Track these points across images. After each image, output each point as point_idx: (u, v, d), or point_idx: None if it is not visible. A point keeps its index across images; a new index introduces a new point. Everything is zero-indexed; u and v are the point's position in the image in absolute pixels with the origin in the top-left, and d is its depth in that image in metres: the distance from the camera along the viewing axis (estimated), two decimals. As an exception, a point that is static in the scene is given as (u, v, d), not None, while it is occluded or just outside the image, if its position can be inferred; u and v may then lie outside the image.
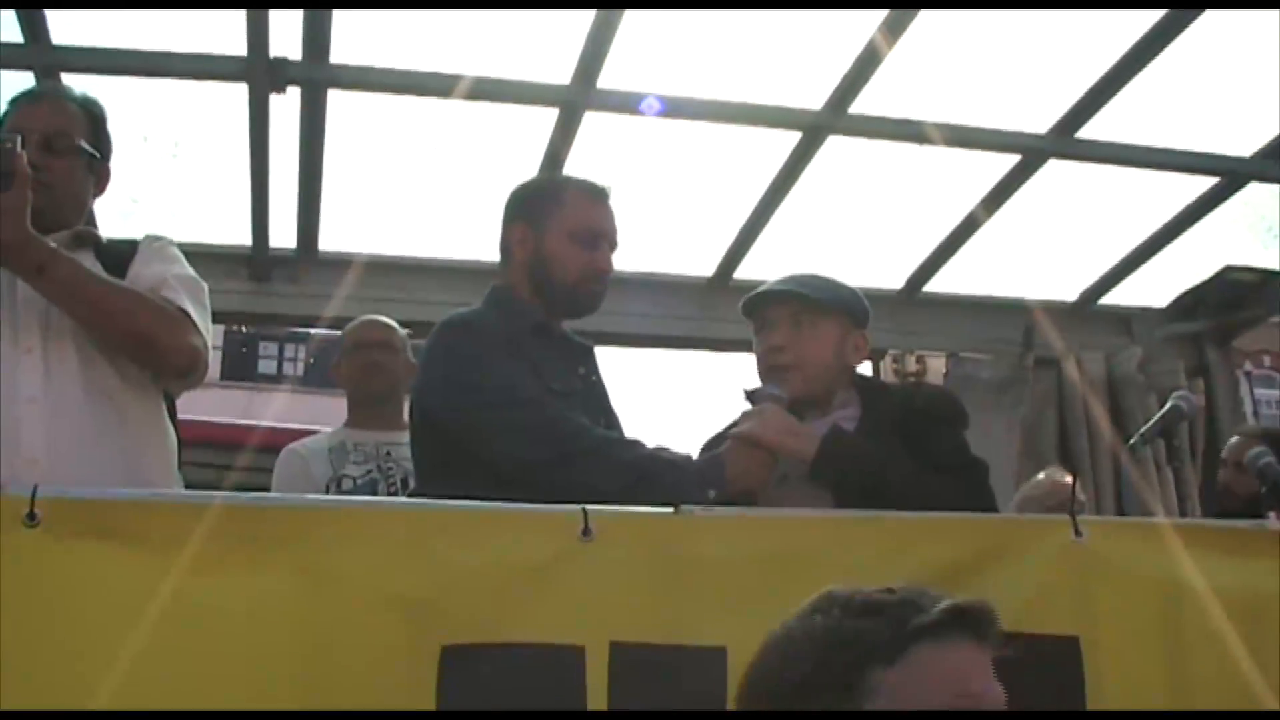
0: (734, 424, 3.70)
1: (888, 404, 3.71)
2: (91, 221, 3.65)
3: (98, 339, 3.26)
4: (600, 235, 3.77)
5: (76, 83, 4.78)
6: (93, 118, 3.56)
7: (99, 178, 3.59)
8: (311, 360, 30.69)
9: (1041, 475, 5.45)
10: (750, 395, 3.74)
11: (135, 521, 2.53)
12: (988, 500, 3.60)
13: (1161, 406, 4.28)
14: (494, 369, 3.47)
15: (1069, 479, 5.39)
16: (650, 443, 3.55)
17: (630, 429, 3.73)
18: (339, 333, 5.45)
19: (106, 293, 3.26)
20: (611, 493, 3.06)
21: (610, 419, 3.73)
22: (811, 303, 3.71)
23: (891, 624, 1.93)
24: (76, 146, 3.46)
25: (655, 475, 3.34)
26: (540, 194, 3.88)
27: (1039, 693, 2.88)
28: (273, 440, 7.81)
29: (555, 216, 3.75)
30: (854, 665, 1.92)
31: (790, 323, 3.68)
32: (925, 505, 3.15)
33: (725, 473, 3.38)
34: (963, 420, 3.77)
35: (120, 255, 3.45)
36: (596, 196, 3.82)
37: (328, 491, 4.65)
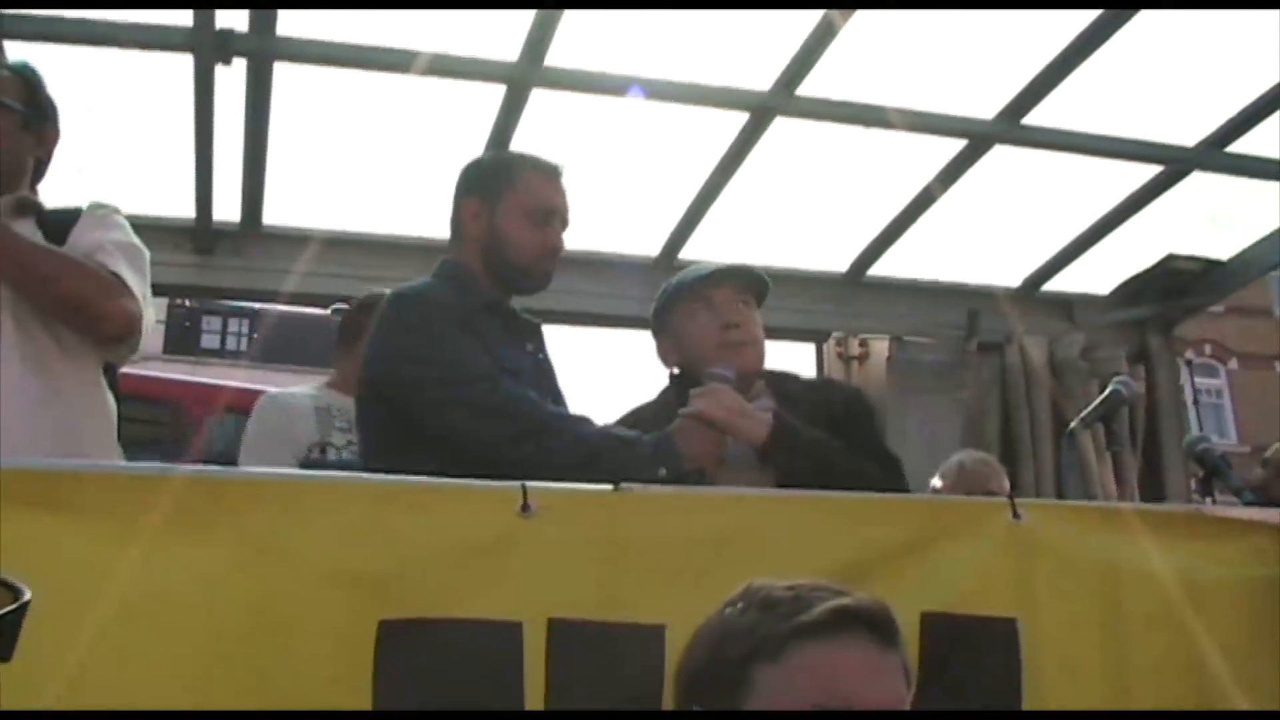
0: (659, 397, 3.74)
1: (802, 398, 3.74)
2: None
3: (31, 303, 3.24)
4: (553, 213, 3.78)
5: (19, 50, 4.74)
6: (26, 82, 3.55)
7: (40, 138, 3.57)
8: (255, 335, 30.63)
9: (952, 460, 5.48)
10: (676, 377, 3.78)
11: (75, 492, 2.51)
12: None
13: (1103, 392, 4.30)
14: (447, 343, 3.47)
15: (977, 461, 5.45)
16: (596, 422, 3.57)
17: (574, 408, 3.73)
18: (287, 309, 5.37)
19: (37, 257, 3.26)
20: (564, 469, 3.07)
21: (558, 397, 3.75)
22: (752, 283, 3.78)
23: (778, 621, 1.93)
24: (5, 105, 3.43)
25: (608, 452, 3.36)
26: (494, 170, 3.88)
27: (977, 673, 2.91)
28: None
29: (509, 193, 3.75)
30: (740, 660, 1.93)
31: (738, 302, 3.73)
32: None
33: (677, 450, 3.39)
34: (877, 416, 3.89)
35: (62, 223, 3.44)
36: (550, 174, 3.83)
37: (309, 454, 4.60)
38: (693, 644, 2.07)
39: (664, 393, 3.82)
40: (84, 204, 3.58)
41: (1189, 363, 29.65)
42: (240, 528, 2.57)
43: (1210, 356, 32.54)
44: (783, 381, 3.84)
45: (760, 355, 3.76)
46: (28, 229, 3.32)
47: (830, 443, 3.51)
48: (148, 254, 3.51)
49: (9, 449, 2.88)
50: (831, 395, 3.90)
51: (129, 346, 3.43)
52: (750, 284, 3.81)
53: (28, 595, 1.55)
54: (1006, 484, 5.32)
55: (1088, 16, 5.12)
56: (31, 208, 3.47)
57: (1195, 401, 29.83)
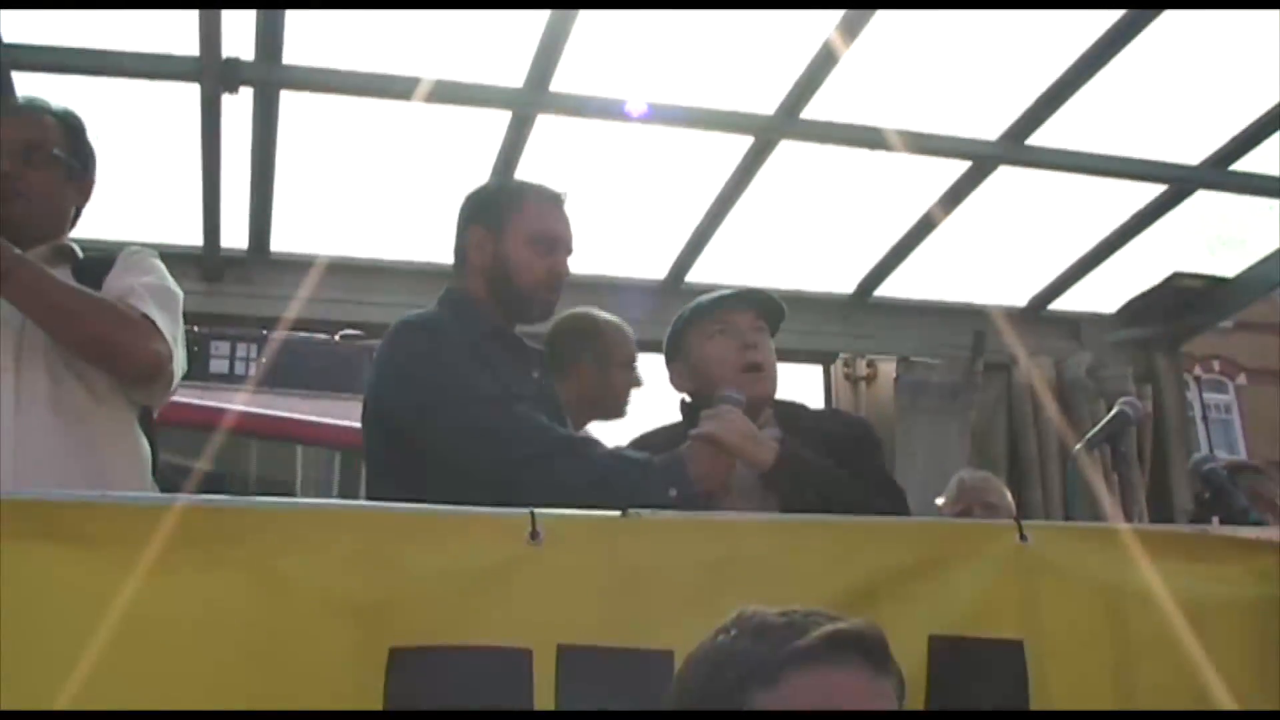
0: (668, 427, 3.75)
1: (809, 428, 3.75)
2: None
3: (61, 344, 3.27)
4: (558, 240, 3.80)
5: (27, 81, 4.78)
6: (70, 129, 3.60)
7: (80, 187, 3.62)
8: (264, 361, 30.61)
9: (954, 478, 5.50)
10: (688, 405, 3.79)
11: (83, 523, 2.52)
12: None
13: (1109, 411, 4.31)
14: (455, 369, 3.48)
15: (976, 476, 5.47)
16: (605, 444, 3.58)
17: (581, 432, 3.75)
18: (294, 334, 5.36)
19: (69, 298, 3.28)
20: (574, 491, 3.08)
21: (562, 423, 3.74)
22: (770, 310, 3.80)
23: (771, 647, 1.93)
24: (54, 158, 3.48)
25: (618, 475, 3.37)
26: (498, 198, 3.90)
27: (984, 696, 2.91)
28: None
29: (514, 221, 3.77)
30: (734, 686, 1.92)
31: (754, 327, 3.75)
32: None
33: (687, 472, 3.40)
34: (881, 446, 3.91)
35: (97, 268, 3.48)
36: (554, 202, 3.84)
37: None
38: (684, 672, 2.07)
39: (674, 423, 3.84)
40: (89, 234, 3.62)
41: (1198, 379, 29.59)
42: (245, 557, 2.57)
43: (1219, 372, 32.46)
44: (791, 411, 3.84)
45: (774, 382, 3.77)
46: (63, 276, 3.36)
47: (835, 471, 3.52)
48: (181, 295, 3.54)
49: None
50: (838, 426, 3.91)
51: (160, 388, 3.45)
52: (768, 310, 3.83)
53: None
54: (1007, 496, 5.34)
55: (1090, 37, 5.13)
56: (68, 256, 3.51)
57: (1204, 417, 29.74)
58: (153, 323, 3.33)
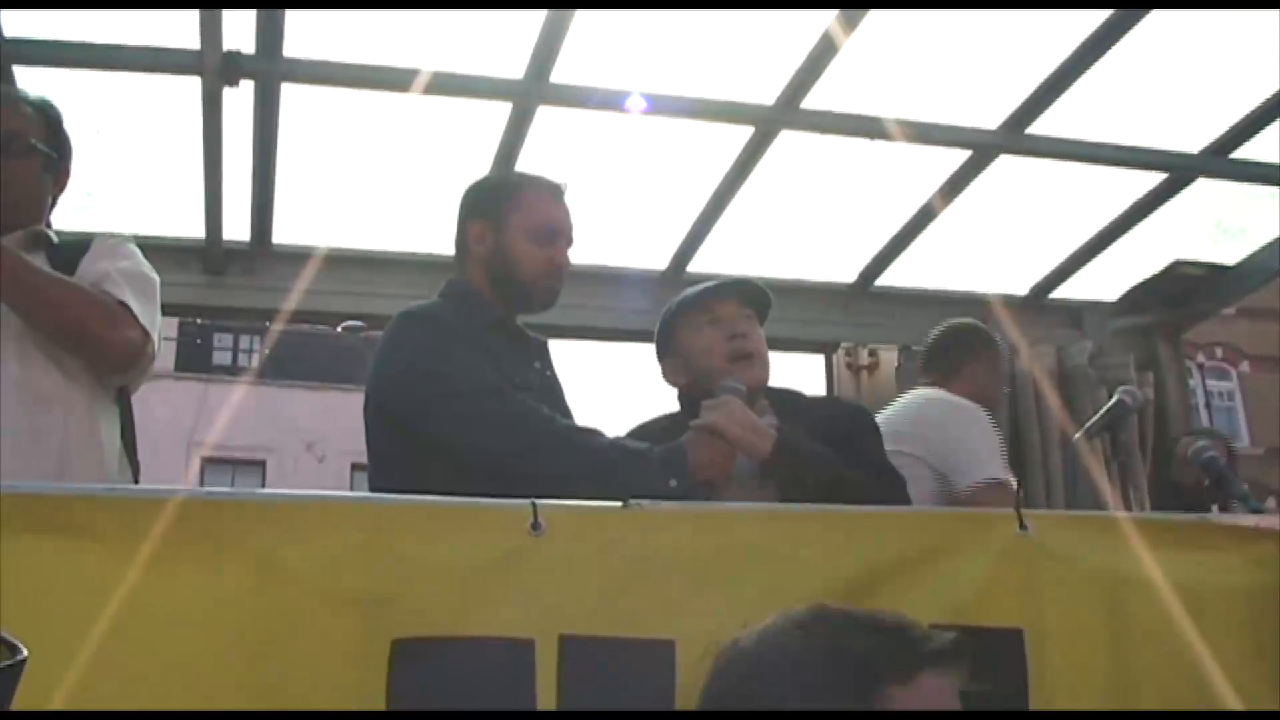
0: (668, 416, 3.76)
1: (806, 415, 3.75)
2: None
3: (36, 330, 3.29)
4: (558, 232, 3.81)
5: (28, 75, 4.78)
6: (48, 119, 3.63)
7: (57, 177, 3.65)
8: (267, 352, 30.66)
9: None
10: (685, 395, 3.79)
11: (79, 516, 2.52)
12: None
13: (1110, 399, 4.31)
14: (457, 360, 3.49)
15: None
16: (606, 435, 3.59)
17: (583, 422, 3.75)
18: (297, 326, 5.39)
19: (44, 284, 3.31)
20: (575, 482, 3.09)
21: (565, 414, 3.75)
22: (754, 297, 3.80)
23: (903, 646, 2.00)
24: (32, 147, 3.51)
25: (618, 465, 3.38)
26: (498, 191, 3.92)
27: (983, 684, 2.92)
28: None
29: (514, 213, 3.79)
30: (868, 681, 1.96)
31: (741, 316, 3.75)
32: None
33: (687, 463, 3.41)
34: (878, 431, 3.89)
35: (72, 253, 3.49)
36: (554, 194, 3.86)
37: None
38: (764, 671, 2.07)
39: (673, 412, 3.84)
40: (92, 227, 3.64)
41: (1200, 366, 29.61)
42: (248, 550, 2.57)
43: (1222, 360, 32.45)
44: (787, 399, 3.85)
45: (765, 368, 3.77)
46: (39, 262, 3.38)
47: (833, 458, 3.52)
48: (158, 280, 3.56)
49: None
50: (835, 412, 3.92)
51: (136, 373, 3.48)
52: (752, 298, 3.84)
53: (24, 654, 1.58)
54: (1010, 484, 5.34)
55: (1089, 26, 5.13)
56: (44, 242, 3.53)
57: (1207, 404, 29.78)
58: (128, 309, 3.35)
